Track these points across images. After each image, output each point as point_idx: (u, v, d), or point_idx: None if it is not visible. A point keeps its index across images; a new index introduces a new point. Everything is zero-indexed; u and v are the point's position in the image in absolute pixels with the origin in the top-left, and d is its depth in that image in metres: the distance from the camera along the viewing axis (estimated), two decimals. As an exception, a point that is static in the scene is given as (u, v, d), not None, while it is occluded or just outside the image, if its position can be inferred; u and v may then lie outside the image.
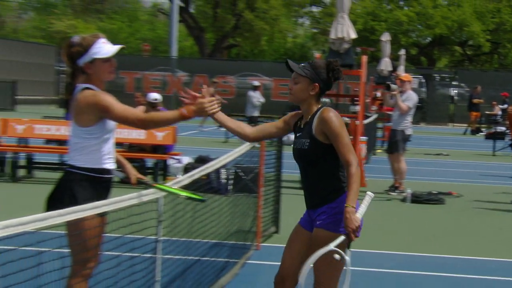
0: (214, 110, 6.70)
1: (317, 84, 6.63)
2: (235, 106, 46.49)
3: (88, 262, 6.82)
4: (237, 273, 10.83)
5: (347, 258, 6.30)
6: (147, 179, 7.26)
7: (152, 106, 20.68)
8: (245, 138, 7.29)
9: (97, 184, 6.88)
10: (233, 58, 75.71)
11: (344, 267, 6.36)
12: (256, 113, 34.23)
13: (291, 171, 18.98)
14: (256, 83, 36.61)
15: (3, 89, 53.66)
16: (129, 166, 7.36)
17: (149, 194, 7.10)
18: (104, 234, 7.05)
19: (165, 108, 21.61)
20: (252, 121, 33.18)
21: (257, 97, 34.61)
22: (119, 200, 6.65)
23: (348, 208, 6.31)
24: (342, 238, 6.33)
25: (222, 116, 6.91)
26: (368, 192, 6.64)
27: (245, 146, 12.24)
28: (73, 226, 6.55)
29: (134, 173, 7.28)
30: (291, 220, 14.57)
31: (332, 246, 6.30)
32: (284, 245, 12.72)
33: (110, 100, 6.76)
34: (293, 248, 6.87)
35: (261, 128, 7.17)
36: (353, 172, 6.42)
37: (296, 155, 6.81)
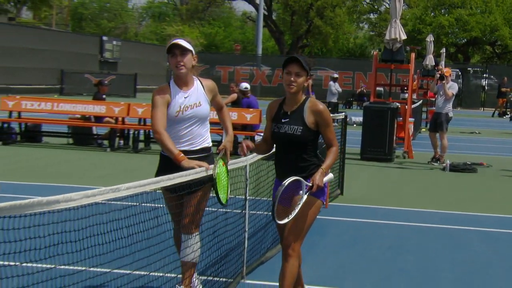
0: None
1: (309, 77, 6.27)
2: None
3: (174, 223, 6.74)
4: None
5: (304, 197, 5.99)
6: (221, 155, 6.64)
7: (243, 93, 20.88)
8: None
9: (166, 160, 6.65)
10: (306, 55, 75.55)
11: (299, 202, 6.02)
12: (334, 99, 34.11)
13: (353, 145, 19.02)
14: (336, 75, 36.62)
15: (127, 80, 54.33)
16: (227, 139, 6.88)
17: (239, 162, 7.10)
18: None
19: (253, 95, 21.69)
20: (330, 106, 33.12)
21: (335, 87, 34.55)
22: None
23: (321, 170, 6.07)
24: (309, 184, 6.01)
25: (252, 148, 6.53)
26: (331, 174, 6.37)
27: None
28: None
29: (223, 145, 6.74)
30: (353, 184, 14.67)
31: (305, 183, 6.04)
32: (347, 205, 12.77)
33: (154, 100, 6.62)
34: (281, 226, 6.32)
35: (266, 139, 6.59)
36: (334, 150, 6.26)
37: (285, 138, 6.24)
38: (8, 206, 3.96)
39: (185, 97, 6.67)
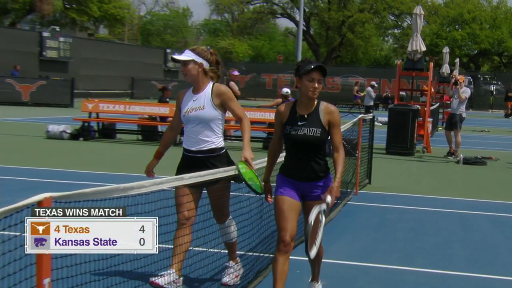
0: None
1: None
2: (340, 97, 46.67)
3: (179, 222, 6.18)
4: (341, 210, 10.82)
5: (323, 220, 5.39)
6: (238, 164, 6.12)
7: (284, 97, 20.91)
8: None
9: (184, 158, 6.47)
10: (339, 64, 75.22)
11: (320, 226, 5.38)
12: (371, 103, 33.93)
13: (379, 141, 18.92)
14: (375, 84, 36.47)
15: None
16: (244, 149, 6.24)
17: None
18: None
19: (293, 98, 21.71)
20: (369, 108, 32.99)
21: (372, 92, 34.49)
22: (262, 162, 6.45)
23: (338, 180, 5.46)
24: (329, 200, 5.39)
25: (268, 173, 5.96)
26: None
27: (347, 125, 12.20)
28: None
29: (243, 156, 6.16)
30: (379, 175, 14.61)
31: (323, 207, 5.39)
32: (374, 192, 12.72)
33: None
34: (290, 217, 5.52)
35: (279, 140, 5.80)
36: (343, 156, 5.60)
37: (304, 140, 5.53)
38: (91, 192, 4.04)
39: (193, 100, 6.39)
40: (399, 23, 78.06)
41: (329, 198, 5.39)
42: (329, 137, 5.70)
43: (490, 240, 9.46)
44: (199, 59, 6.34)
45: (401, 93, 25.04)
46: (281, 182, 5.71)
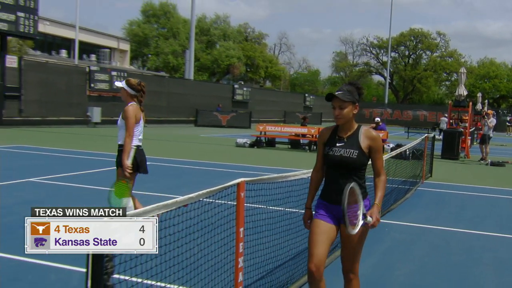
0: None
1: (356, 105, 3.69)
2: (411, 124, 44.75)
3: None
4: (413, 193, 10.43)
5: (360, 223, 3.42)
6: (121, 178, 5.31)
7: (376, 123, 20.27)
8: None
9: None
10: (411, 103, 72.44)
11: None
12: (445, 127, 32.22)
13: (437, 150, 18.03)
14: (446, 114, 34.85)
15: (317, 116, 54.16)
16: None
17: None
18: None
19: (384, 123, 21.09)
20: (442, 130, 31.28)
21: (446, 120, 32.87)
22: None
23: (376, 206, 3.43)
24: (369, 220, 3.37)
25: (310, 200, 3.73)
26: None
27: (418, 140, 11.74)
28: None
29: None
30: (437, 171, 13.93)
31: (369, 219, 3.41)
32: (434, 182, 12.13)
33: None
34: (321, 240, 3.47)
35: (318, 168, 3.73)
36: (385, 179, 3.59)
37: (340, 161, 3.50)
38: (267, 178, 4.11)
39: None
40: (450, 77, 74.72)
41: (369, 218, 3.41)
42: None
43: (510, 214, 8.84)
44: (127, 88, 5.63)
45: (450, 121, 23.88)
46: (318, 206, 3.67)
